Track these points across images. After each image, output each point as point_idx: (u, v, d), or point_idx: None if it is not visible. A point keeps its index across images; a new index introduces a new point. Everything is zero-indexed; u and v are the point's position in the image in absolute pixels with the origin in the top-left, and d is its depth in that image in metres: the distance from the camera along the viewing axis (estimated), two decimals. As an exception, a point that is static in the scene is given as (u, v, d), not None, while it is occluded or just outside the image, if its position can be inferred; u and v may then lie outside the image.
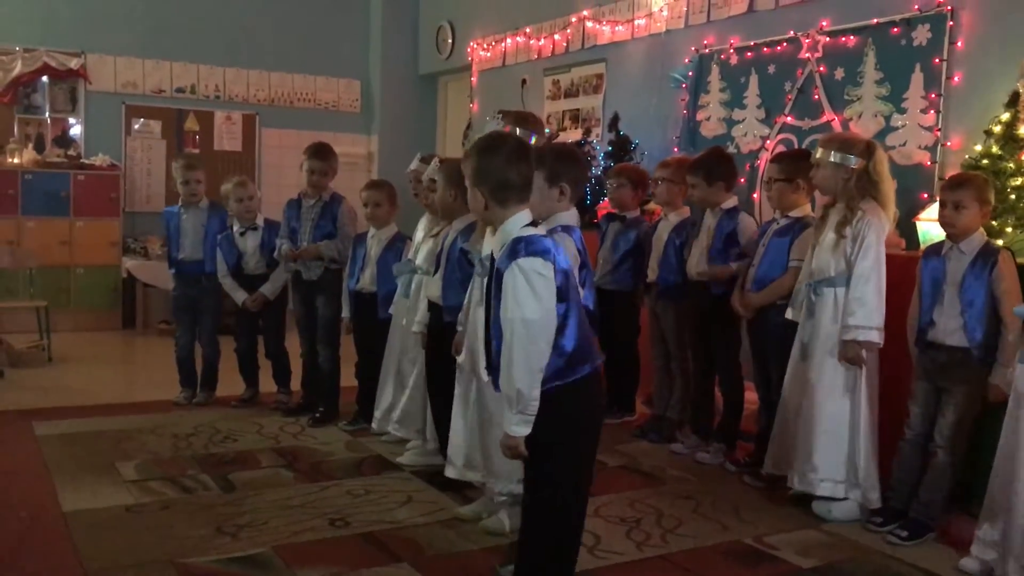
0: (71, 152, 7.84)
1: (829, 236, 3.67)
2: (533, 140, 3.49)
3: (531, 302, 2.34)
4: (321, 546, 3.28)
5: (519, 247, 2.39)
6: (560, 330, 2.43)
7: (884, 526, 3.55)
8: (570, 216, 3.17)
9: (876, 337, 3.60)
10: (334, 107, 9.04)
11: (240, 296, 5.20)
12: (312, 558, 3.16)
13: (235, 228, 5.23)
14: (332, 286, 5.00)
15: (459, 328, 3.54)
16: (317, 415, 4.96)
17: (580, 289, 3.03)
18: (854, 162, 3.61)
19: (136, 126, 8.25)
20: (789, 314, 3.90)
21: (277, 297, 5.23)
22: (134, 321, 7.83)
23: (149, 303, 7.85)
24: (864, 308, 3.58)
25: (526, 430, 2.38)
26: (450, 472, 3.60)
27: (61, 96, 7.97)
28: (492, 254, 2.55)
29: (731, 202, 4.43)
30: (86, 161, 7.83)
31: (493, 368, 2.58)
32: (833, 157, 3.64)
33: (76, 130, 8.04)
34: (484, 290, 3.19)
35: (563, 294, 2.44)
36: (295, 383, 5.28)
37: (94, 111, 8.07)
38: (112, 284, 7.82)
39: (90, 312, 7.74)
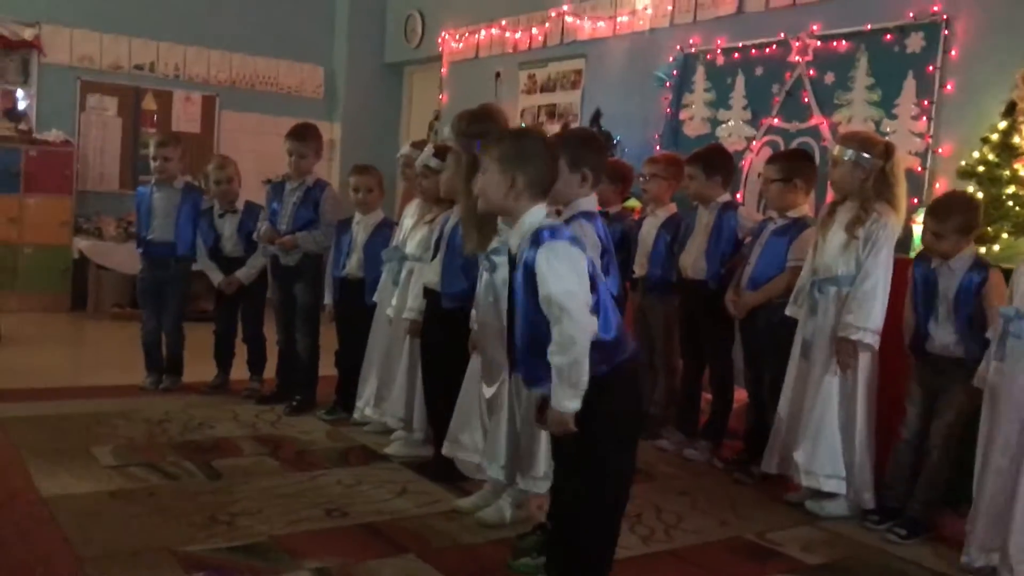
0: (22, 126, 7.50)
1: (839, 235, 3.68)
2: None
3: (571, 275, 2.36)
4: (322, 536, 3.17)
5: (544, 233, 2.41)
6: (597, 316, 2.42)
7: (881, 524, 3.59)
8: (590, 202, 3.12)
9: (870, 339, 3.61)
10: (296, 92, 8.84)
11: (216, 277, 5.04)
12: (315, 548, 3.05)
13: (215, 209, 5.06)
14: (311, 272, 4.87)
15: (473, 327, 3.45)
16: (294, 403, 4.82)
17: (603, 276, 3.02)
18: (872, 162, 3.63)
19: (91, 102, 7.94)
20: (789, 311, 3.92)
21: (257, 282, 5.08)
22: (85, 304, 7.54)
23: (102, 286, 7.56)
24: (862, 309, 3.61)
25: (577, 404, 2.35)
26: (446, 449, 3.58)
27: (12, 67, 7.62)
28: (509, 249, 2.56)
29: (725, 197, 4.44)
30: (38, 136, 7.50)
31: (519, 363, 2.56)
32: (852, 156, 3.66)
33: (25, 103, 7.69)
34: (487, 288, 3.18)
35: (592, 283, 2.45)
36: (270, 371, 5.12)
37: (47, 85, 7.73)
38: (62, 265, 7.50)
39: (38, 293, 7.41)
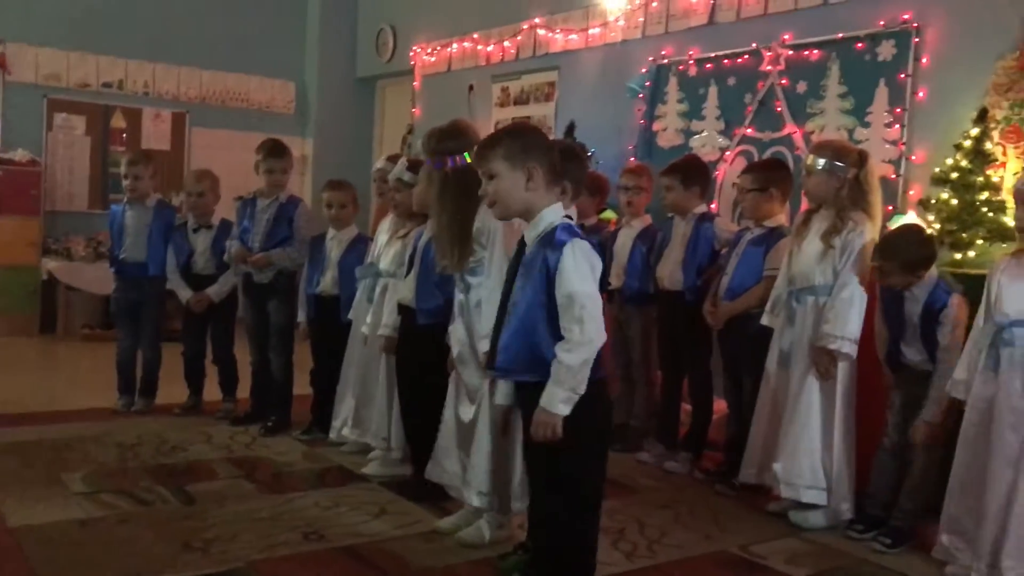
0: (-14, 146, 7.39)
1: (815, 244, 3.67)
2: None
3: (590, 279, 2.37)
4: (300, 561, 3.10)
5: (563, 233, 2.40)
6: None
7: (864, 533, 3.57)
8: (570, 215, 3.08)
9: (848, 348, 3.60)
10: (268, 108, 8.76)
11: (185, 294, 4.95)
12: (293, 573, 2.98)
13: (189, 224, 4.99)
14: (285, 290, 4.80)
15: (449, 343, 3.39)
16: (269, 424, 4.74)
17: None
18: (846, 170, 3.62)
19: (58, 121, 7.82)
20: (766, 320, 3.90)
21: (227, 301, 4.99)
22: (54, 326, 7.40)
23: (72, 307, 7.43)
24: (840, 318, 3.59)
25: (568, 409, 2.33)
26: (430, 473, 3.50)
27: (-24, 86, 7.52)
28: (522, 238, 2.56)
29: (702, 208, 4.43)
30: (4, 156, 7.36)
31: (501, 350, 2.52)
32: (825, 164, 3.65)
33: (-12, 123, 7.58)
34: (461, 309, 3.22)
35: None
36: (243, 391, 5.04)
37: (12, 103, 7.60)
38: (30, 286, 7.35)
39: (5, 316, 7.24)
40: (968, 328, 3.37)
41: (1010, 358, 3.06)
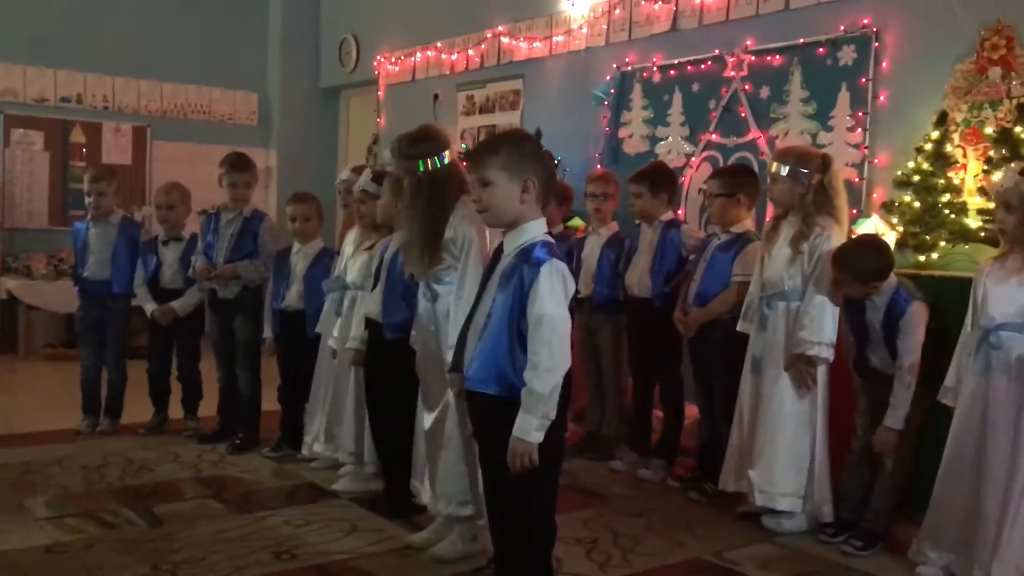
0: (-59, 163, 7.25)
1: (784, 250, 3.68)
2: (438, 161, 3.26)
3: (563, 303, 2.36)
4: (270, 581, 3.06)
5: (541, 252, 2.39)
6: None
7: (836, 537, 3.58)
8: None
9: (826, 353, 3.60)
10: (230, 120, 8.68)
11: (150, 307, 4.88)
12: (263, 595, 2.95)
13: (160, 236, 4.94)
14: (251, 305, 4.75)
15: (414, 346, 3.37)
16: (237, 442, 4.68)
17: None
18: (810, 176, 3.64)
19: (16, 137, 7.68)
20: (740, 326, 3.90)
21: (192, 317, 4.93)
22: (15, 345, 7.26)
23: (32, 326, 7.30)
24: (815, 323, 3.59)
25: (542, 436, 2.33)
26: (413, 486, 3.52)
27: (-72, 103, 7.38)
28: (501, 245, 2.54)
29: (669, 215, 4.44)
30: (-42, 173, 7.26)
31: (473, 360, 2.50)
32: (789, 171, 3.67)
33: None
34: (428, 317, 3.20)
35: None
36: (210, 408, 4.96)
37: (-33, 120, 7.49)
38: (-11, 307, 7.24)
39: (-37, 337, 7.14)
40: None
41: (999, 361, 3.06)
